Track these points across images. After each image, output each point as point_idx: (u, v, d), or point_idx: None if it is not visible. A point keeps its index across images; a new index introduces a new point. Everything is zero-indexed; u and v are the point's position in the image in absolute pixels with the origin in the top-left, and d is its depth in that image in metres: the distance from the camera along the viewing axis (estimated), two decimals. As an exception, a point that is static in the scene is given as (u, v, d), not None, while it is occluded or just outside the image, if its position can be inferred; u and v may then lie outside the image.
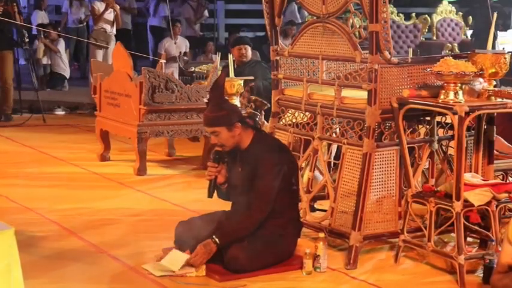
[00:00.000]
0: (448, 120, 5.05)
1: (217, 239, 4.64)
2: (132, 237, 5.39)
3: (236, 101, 7.01)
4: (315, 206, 5.64)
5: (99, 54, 12.41)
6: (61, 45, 13.65)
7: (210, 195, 4.93)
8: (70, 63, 14.43)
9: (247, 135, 4.83)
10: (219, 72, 7.11)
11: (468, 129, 5.24)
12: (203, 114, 4.94)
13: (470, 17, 13.74)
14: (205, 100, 5.16)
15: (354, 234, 4.91)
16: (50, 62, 13.46)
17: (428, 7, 15.48)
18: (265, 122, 6.11)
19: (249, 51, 8.70)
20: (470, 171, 5.18)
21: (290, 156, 4.96)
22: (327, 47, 5.22)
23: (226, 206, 5.04)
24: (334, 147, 5.96)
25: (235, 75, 7.25)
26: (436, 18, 13.69)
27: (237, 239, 4.65)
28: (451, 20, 13.81)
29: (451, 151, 5.11)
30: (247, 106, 6.42)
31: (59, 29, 14.23)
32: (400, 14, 13.19)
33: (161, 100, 7.27)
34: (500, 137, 5.98)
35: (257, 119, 5.37)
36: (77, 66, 15.69)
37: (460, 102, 4.63)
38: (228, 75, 6.88)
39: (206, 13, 16.33)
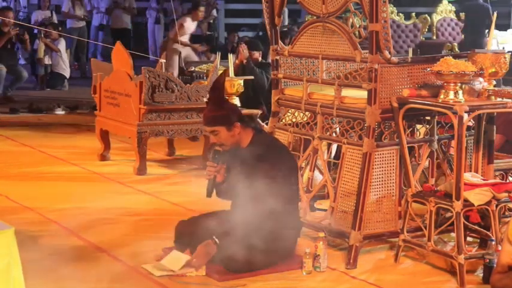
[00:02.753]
0: (448, 120, 5.05)
1: (217, 240, 4.64)
2: (132, 237, 5.39)
3: (236, 101, 7.00)
4: (315, 205, 5.65)
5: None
6: (62, 45, 13.63)
7: (209, 195, 4.92)
8: (70, 63, 14.41)
9: (246, 134, 4.83)
10: (219, 72, 7.11)
11: (468, 129, 5.23)
12: (203, 113, 4.94)
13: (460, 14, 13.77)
14: (205, 99, 5.16)
15: (354, 233, 4.91)
16: (50, 62, 13.44)
17: (428, 7, 15.48)
18: (265, 125, 6.11)
19: (254, 56, 9.09)
20: (470, 171, 5.18)
21: (289, 156, 4.95)
22: (326, 47, 5.22)
23: (226, 205, 5.03)
24: (334, 146, 5.97)
25: (240, 74, 7.29)
26: (436, 17, 13.69)
27: (237, 238, 4.65)
28: (451, 20, 13.81)
29: (451, 151, 5.11)
30: None
31: (60, 28, 14.21)
32: (400, 14, 13.20)
33: (161, 100, 7.26)
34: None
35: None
36: (77, 66, 15.67)
37: (460, 102, 4.63)
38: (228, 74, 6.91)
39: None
